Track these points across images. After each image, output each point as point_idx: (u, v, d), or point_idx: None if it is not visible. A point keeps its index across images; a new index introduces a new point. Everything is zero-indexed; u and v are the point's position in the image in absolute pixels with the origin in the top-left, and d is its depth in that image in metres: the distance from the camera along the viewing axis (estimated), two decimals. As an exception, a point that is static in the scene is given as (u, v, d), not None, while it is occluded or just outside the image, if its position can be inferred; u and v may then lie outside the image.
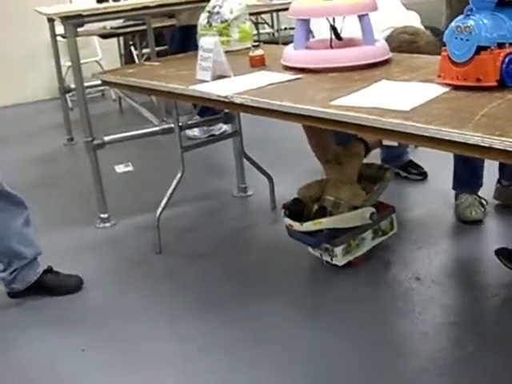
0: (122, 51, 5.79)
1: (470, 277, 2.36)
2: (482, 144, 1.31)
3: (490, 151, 1.31)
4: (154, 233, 2.73)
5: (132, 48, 5.58)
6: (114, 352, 2.09)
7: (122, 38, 5.68)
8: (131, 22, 5.00)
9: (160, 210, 2.72)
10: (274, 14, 6.61)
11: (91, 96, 5.23)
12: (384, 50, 2.17)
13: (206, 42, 2.19)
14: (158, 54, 4.56)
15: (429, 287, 2.29)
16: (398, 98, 1.69)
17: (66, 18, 2.73)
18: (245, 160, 3.16)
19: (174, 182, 2.73)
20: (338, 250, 2.37)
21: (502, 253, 2.30)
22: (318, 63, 2.11)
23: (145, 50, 5.21)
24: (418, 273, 2.39)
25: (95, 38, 5.62)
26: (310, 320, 2.17)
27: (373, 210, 2.41)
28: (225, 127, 4.26)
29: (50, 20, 4.06)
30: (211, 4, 2.75)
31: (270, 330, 2.13)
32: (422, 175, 3.26)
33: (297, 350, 2.01)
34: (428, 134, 1.42)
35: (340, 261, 2.40)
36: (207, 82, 2.13)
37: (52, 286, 2.44)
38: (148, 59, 4.62)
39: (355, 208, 2.38)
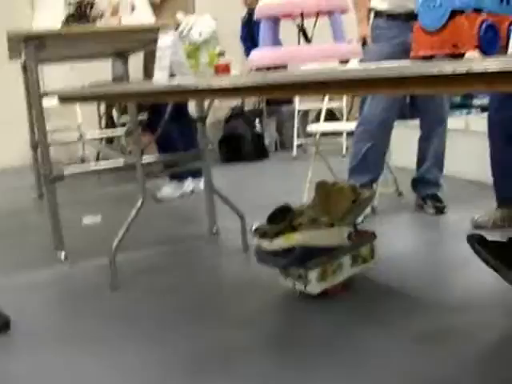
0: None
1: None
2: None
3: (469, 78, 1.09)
4: (110, 269, 2.45)
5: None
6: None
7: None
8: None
9: (117, 240, 2.45)
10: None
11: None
12: (356, 50, 2.02)
13: (164, 40, 2.04)
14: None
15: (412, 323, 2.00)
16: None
17: (26, 39, 2.58)
18: (216, 205, 2.96)
19: (134, 211, 2.49)
20: (313, 274, 2.10)
21: (478, 240, 1.94)
22: (287, 61, 1.94)
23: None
24: (401, 307, 2.09)
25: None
26: (279, 359, 1.83)
27: (350, 229, 2.16)
28: (193, 184, 4.10)
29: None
30: (181, 26, 2.64)
31: (239, 366, 1.82)
32: None
33: None
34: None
35: (314, 288, 2.12)
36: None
37: None
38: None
39: (332, 226, 2.13)
